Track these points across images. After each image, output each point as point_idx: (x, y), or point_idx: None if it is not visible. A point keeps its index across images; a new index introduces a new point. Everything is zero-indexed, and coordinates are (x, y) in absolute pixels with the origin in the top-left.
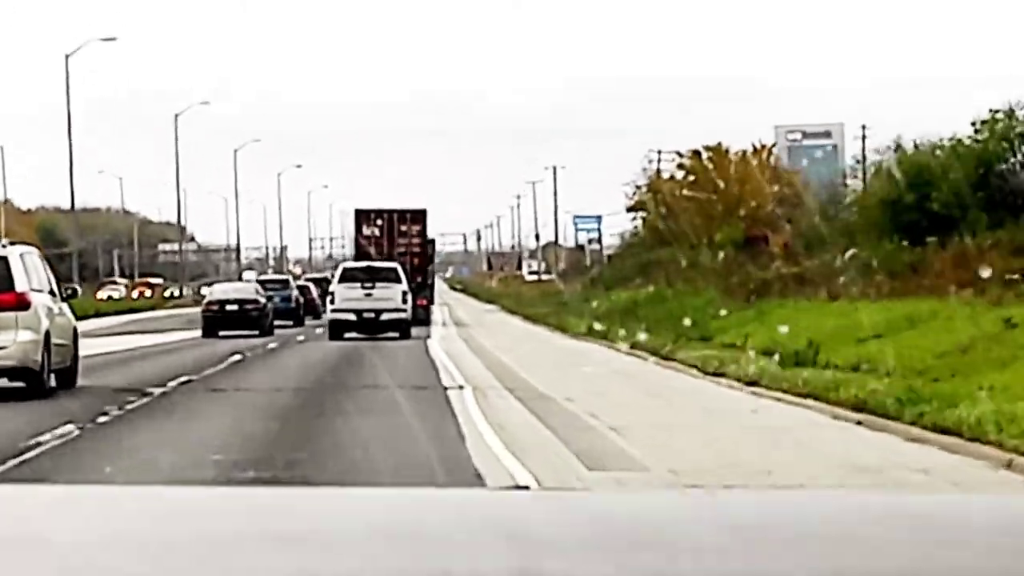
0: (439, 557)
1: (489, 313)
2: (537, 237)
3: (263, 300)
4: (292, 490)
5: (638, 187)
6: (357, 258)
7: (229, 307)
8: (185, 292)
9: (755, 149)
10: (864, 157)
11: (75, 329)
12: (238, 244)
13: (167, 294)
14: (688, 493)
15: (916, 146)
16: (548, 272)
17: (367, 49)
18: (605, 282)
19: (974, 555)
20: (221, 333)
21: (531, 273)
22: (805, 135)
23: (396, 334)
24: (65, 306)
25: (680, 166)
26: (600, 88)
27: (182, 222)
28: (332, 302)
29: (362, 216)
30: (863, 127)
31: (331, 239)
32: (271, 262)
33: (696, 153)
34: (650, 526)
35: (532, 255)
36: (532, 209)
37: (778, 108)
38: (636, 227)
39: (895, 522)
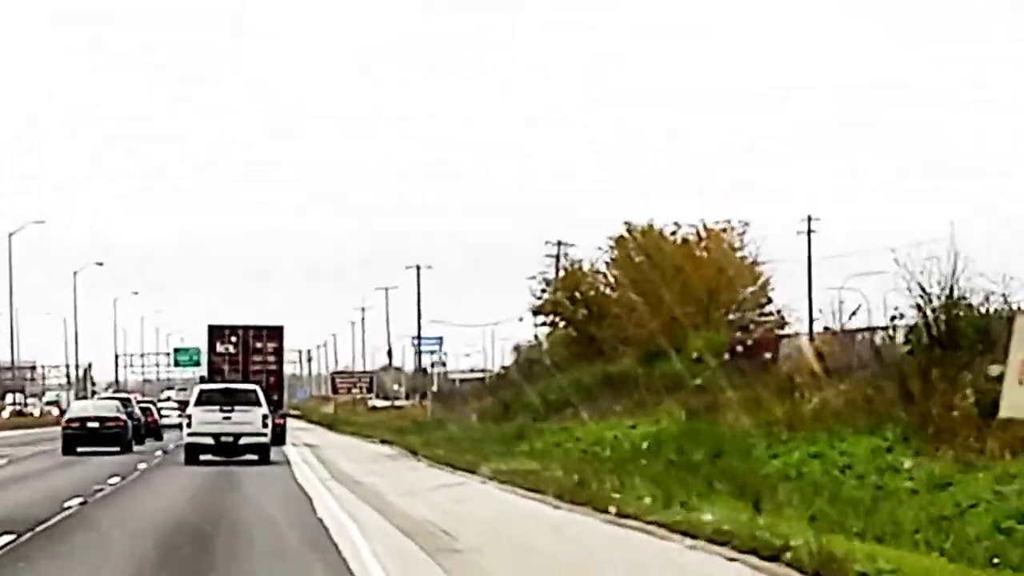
0: None
1: (392, 459)
2: (390, 354)
3: (124, 418)
4: None
5: (547, 282)
6: (210, 377)
7: (90, 424)
8: None
9: (706, 231)
10: (809, 252)
11: None
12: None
13: None
14: None
15: None
16: (400, 396)
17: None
18: (535, 412)
19: None
20: (79, 449)
21: (382, 397)
22: None
23: (255, 457)
24: None
25: (616, 243)
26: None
27: None
28: (189, 425)
29: (216, 332)
30: (808, 217)
31: (142, 355)
32: (70, 383)
33: (620, 239)
34: None
35: (381, 375)
36: (385, 319)
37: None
38: (537, 337)
39: None
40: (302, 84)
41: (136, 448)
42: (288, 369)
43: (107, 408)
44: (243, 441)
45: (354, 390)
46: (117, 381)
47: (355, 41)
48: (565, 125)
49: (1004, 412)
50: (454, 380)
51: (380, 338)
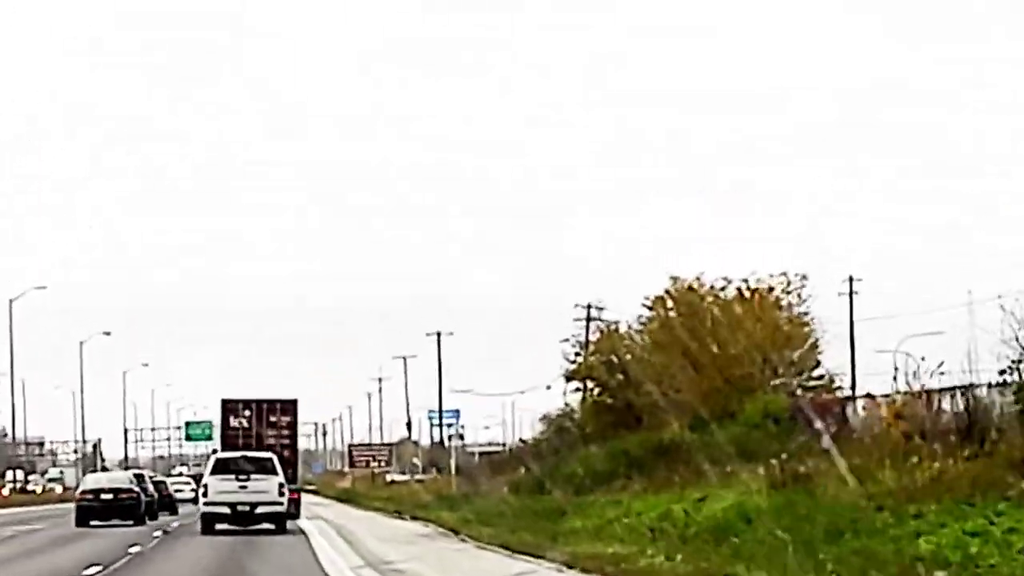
0: None
1: (429, 539)
2: (409, 426)
3: (137, 490)
4: None
5: (582, 347)
6: (224, 451)
7: (104, 496)
8: None
9: (751, 291)
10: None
11: None
12: (14, 433)
13: None
14: None
15: None
16: (419, 471)
17: None
18: (576, 485)
19: None
20: (93, 523)
21: (401, 473)
22: None
23: (271, 526)
24: None
25: (657, 304)
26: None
27: None
28: (205, 495)
29: (229, 406)
30: (851, 278)
31: (153, 430)
32: (79, 459)
33: (659, 299)
34: None
35: (399, 448)
36: (404, 390)
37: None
38: (568, 405)
39: None
40: (302, 84)
41: (149, 522)
42: (302, 443)
43: (121, 480)
44: (260, 510)
45: (372, 463)
46: (127, 457)
47: (355, 41)
48: (565, 125)
49: None
50: (472, 453)
51: (396, 410)
